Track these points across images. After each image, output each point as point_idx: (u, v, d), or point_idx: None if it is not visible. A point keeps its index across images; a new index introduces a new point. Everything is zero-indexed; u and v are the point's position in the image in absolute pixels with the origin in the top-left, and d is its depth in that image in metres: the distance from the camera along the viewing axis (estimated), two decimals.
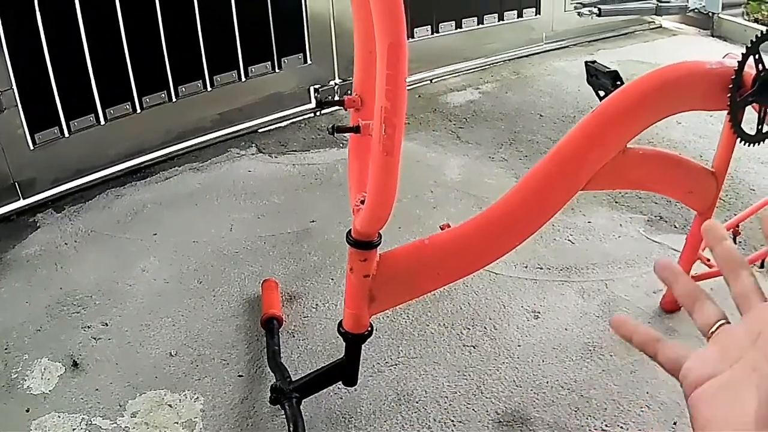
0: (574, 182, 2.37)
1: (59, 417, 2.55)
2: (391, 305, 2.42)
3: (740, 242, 3.37)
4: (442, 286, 2.47)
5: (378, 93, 1.78)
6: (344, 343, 2.41)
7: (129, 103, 3.90)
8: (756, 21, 6.60)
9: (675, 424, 2.62)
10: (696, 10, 6.56)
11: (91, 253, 3.33)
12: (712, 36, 6.48)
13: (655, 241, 3.50)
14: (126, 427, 2.53)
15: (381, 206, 1.98)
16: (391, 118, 1.79)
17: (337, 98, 2.43)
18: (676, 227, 3.58)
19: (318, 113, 4.56)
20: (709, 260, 3.03)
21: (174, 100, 4.06)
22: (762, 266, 3.20)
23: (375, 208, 2.00)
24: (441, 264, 2.32)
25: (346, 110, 2.49)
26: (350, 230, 2.15)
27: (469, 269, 2.41)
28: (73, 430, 2.51)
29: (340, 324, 2.36)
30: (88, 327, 2.93)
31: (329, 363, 2.53)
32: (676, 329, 2.99)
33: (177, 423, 2.56)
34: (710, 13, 6.53)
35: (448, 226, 2.35)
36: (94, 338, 2.87)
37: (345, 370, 2.49)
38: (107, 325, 2.94)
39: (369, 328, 2.36)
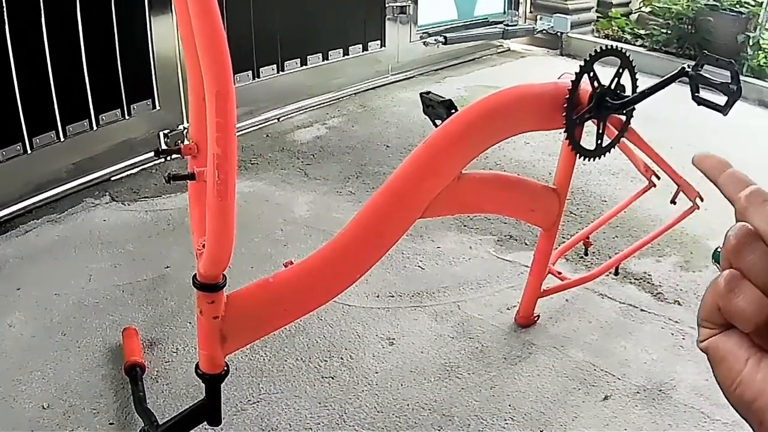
0: (409, 211, 2.44)
1: None
2: (244, 344, 2.44)
3: (593, 252, 3.49)
4: (291, 321, 2.51)
5: (210, 140, 1.83)
6: (204, 385, 2.44)
7: None
8: (606, 37, 6.79)
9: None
10: (544, 31, 6.73)
11: None
12: (562, 55, 6.64)
13: (506, 260, 3.60)
14: None
15: (220, 248, 2.03)
16: (223, 165, 1.84)
17: (175, 146, 2.46)
18: (526, 244, 3.68)
19: (167, 158, 4.55)
20: (560, 273, 3.13)
21: (29, 151, 4.04)
22: (616, 273, 3.31)
23: (215, 251, 2.04)
24: (287, 300, 2.37)
25: (183, 157, 2.53)
26: (195, 274, 2.17)
27: (316, 303, 2.45)
28: None
29: (197, 366, 2.37)
30: None
31: (192, 404, 2.53)
32: (533, 342, 3.10)
33: None
34: (558, 33, 6.70)
35: (291, 262, 2.40)
36: None
37: (208, 411, 2.49)
38: None
39: (225, 368, 2.37)
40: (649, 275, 3.47)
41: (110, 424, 2.75)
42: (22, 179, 4.06)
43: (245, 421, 2.77)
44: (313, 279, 2.38)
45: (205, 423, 2.55)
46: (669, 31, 6.64)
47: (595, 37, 7.04)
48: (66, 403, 2.83)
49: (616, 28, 7.04)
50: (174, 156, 2.57)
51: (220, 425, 2.59)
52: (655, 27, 6.77)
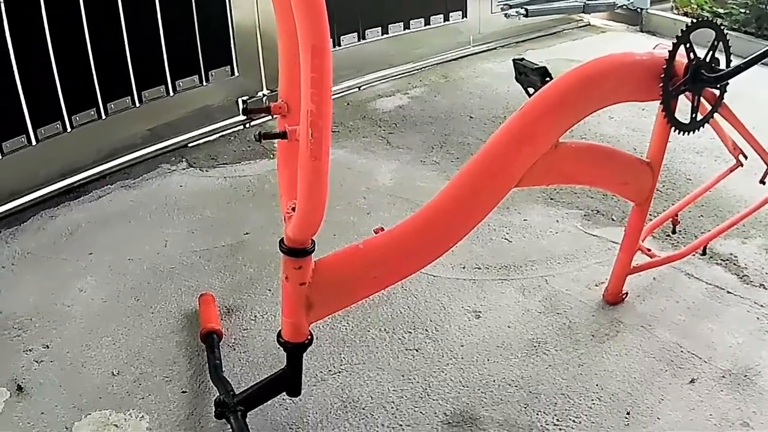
0: (506, 180, 2.37)
1: None
2: (330, 312, 2.39)
3: (680, 231, 3.40)
4: (380, 289, 2.45)
5: (303, 97, 1.77)
6: (285, 354, 2.38)
7: (59, 122, 3.85)
8: (685, 14, 6.67)
9: (628, 414, 2.62)
10: (624, 7, 6.62)
11: (28, 276, 3.28)
12: (641, 31, 6.55)
13: (593, 235, 3.51)
14: None
15: (312, 212, 1.97)
16: (317, 122, 1.78)
17: (264, 106, 2.41)
18: (613, 220, 3.60)
19: (247, 125, 4.54)
20: (650, 250, 3.05)
21: (104, 117, 4.02)
22: (704, 253, 3.23)
23: (306, 214, 1.98)
24: (377, 268, 2.31)
25: (272, 117, 2.47)
26: (282, 238, 2.13)
27: (406, 271, 2.39)
28: None
29: (279, 334, 2.33)
30: (30, 350, 2.87)
31: (272, 374, 2.50)
32: (621, 320, 3.01)
33: None
34: (638, 9, 6.59)
35: (382, 229, 2.34)
36: (37, 361, 2.82)
37: (288, 381, 2.45)
38: (48, 347, 2.89)
39: (309, 337, 2.33)
40: (735, 257, 3.37)
41: (183, 392, 2.71)
42: (95, 145, 4.04)
43: (325, 392, 2.71)
44: (406, 246, 2.32)
45: (284, 393, 2.51)
46: (748, 11, 6.48)
47: (674, 14, 6.91)
48: (137, 370, 2.80)
49: (695, 6, 6.91)
50: (262, 115, 2.51)
51: (299, 396, 2.55)
52: (734, 6, 6.61)
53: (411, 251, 2.33)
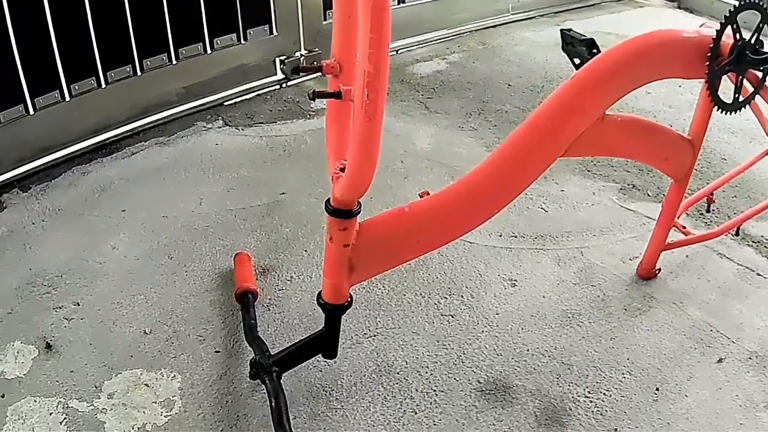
0: (553, 149, 2.37)
1: (35, 401, 2.51)
2: (371, 275, 2.40)
3: (714, 210, 3.40)
4: (422, 254, 2.45)
5: (360, 57, 1.75)
6: (323, 315, 2.39)
7: (94, 78, 3.84)
8: None
9: (657, 390, 2.63)
10: None
11: (59, 232, 3.28)
12: (679, 8, 6.51)
13: (629, 209, 3.51)
14: (103, 408, 2.50)
15: (362, 173, 1.96)
16: (374, 83, 1.76)
17: (314, 64, 2.40)
18: (649, 195, 3.60)
19: (284, 85, 4.52)
20: (684, 228, 3.06)
21: (139, 74, 4.01)
22: (737, 233, 3.22)
23: (356, 175, 1.97)
24: (421, 232, 2.32)
25: (323, 76, 2.46)
26: (329, 199, 2.13)
27: (450, 237, 2.40)
28: (50, 414, 2.47)
29: (319, 295, 2.34)
30: (60, 307, 2.88)
31: (309, 335, 2.50)
32: (654, 296, 3.02)
33: (155, 403, 2.53)
34: None
35: (427, 193, 2.33)
36: (67, 319, 2.83)
37: (325, 343, 2.46)
38: (79, 305, 2.89)
39: (349, 299, 2.34)
40: (766, 239, 3.36)
41: (216, 352, 2.72)
42: (130, 101, 4.03)
43: (360, 355, 2.72)
44: (450, 211, 2.32)
45: (319, 355, 2.53)
46: None
47: None
48: (170, 329, 2.81)
49: None
50: (301, 80, 2.51)
51: (335, 359, 2.58)
52: None
53: (455, 217, 2.34)
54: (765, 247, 3.31)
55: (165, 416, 2.49)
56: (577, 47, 2.66)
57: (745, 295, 3.05)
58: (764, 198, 3.34)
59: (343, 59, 2.26)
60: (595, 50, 2.58)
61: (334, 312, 2.37)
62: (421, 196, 2.32)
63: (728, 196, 3.59)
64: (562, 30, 2.75)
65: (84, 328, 2.79)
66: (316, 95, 2.07)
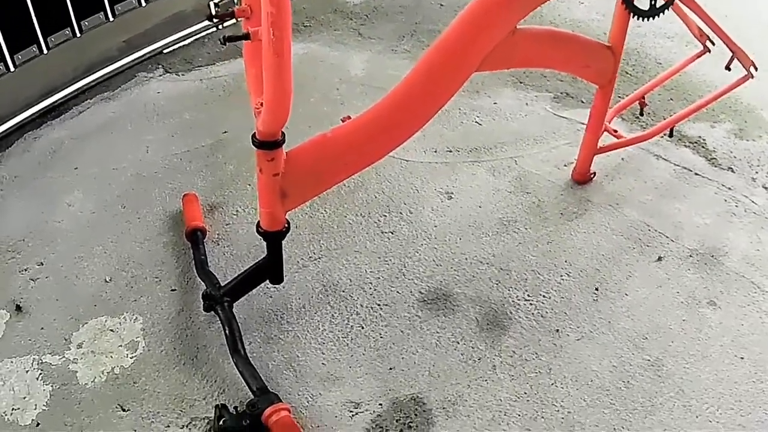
0: (464, 65, 2.42)
1: (12, 362, 2.59)
2: (304, 200, 2.47)
3: (648, 113, 3.47)
4: (350, 175, 2.51)
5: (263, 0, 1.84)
6: (265, 243, 2.48)
7: (35, 45, 3.86)
8: None
9: (597, 290, 2.75)
10: None
11: (18, 199, 3.31)
12: None
13: (563, 117, 3.58)
14: (74, 359, 2.60)
15: (279, 105, 2.05)
16: (278, 22, 1.84)
17: (227, 11, 2.45)
18: (582, 102, 3.67)
19: (220, 27, 4.51)
20: (616, 131, 3.12)
21: (78, 35, 4.02)
22: (671, 135, 3.29)
23: (273, 108, 2.06)
24: (345, 154, 2.39)
25: (237, 20, 2.52)
26: (254, 133, 2.20)
27: (374, 156, 2.47)
28: (27, 371, 2.56)
29: (257, 224, 2.42)
30: (25, 270, 2.94)
31: (254, 264, 2.60)
32: (590, 199, 3.12)
33: (121, 346, 2.63)
34: None
35: (349, 117, 2.41)
36: (32, 279, 2.89)
37: (270, 269, 2.56)
38: (43, 264, 2.96)
39: (286, 225, 2.42)
40: (703, 140, 3.44)
41: (172, 290, 2.83)
42: (73, 63, 4.02)
43: (306, 278, 2.83)
44: (371, 132, 2.39)
45: (268, 282, 2.62)
46: None
47: None
48: (128, 275, 2.90)
49: None
50: (227, 20, 2.57)
51: (282, 283, 2.66)
52: None
53: (376, 137, 2.41)
54: (702, 147, 3.40)
55: (131, 357, 2.60)
56: None
57: (683, 195, 3.15)
58: (700, 100, 3.38)
59: (253, 3, 2.33)
60: None
61: (273, 238, 2.45)
62: (342, 121, 2.40)
63: (664, 99, 3.66)
64: None
65: (50, 286, 2.87)
66: (227, 40, 2.16)
